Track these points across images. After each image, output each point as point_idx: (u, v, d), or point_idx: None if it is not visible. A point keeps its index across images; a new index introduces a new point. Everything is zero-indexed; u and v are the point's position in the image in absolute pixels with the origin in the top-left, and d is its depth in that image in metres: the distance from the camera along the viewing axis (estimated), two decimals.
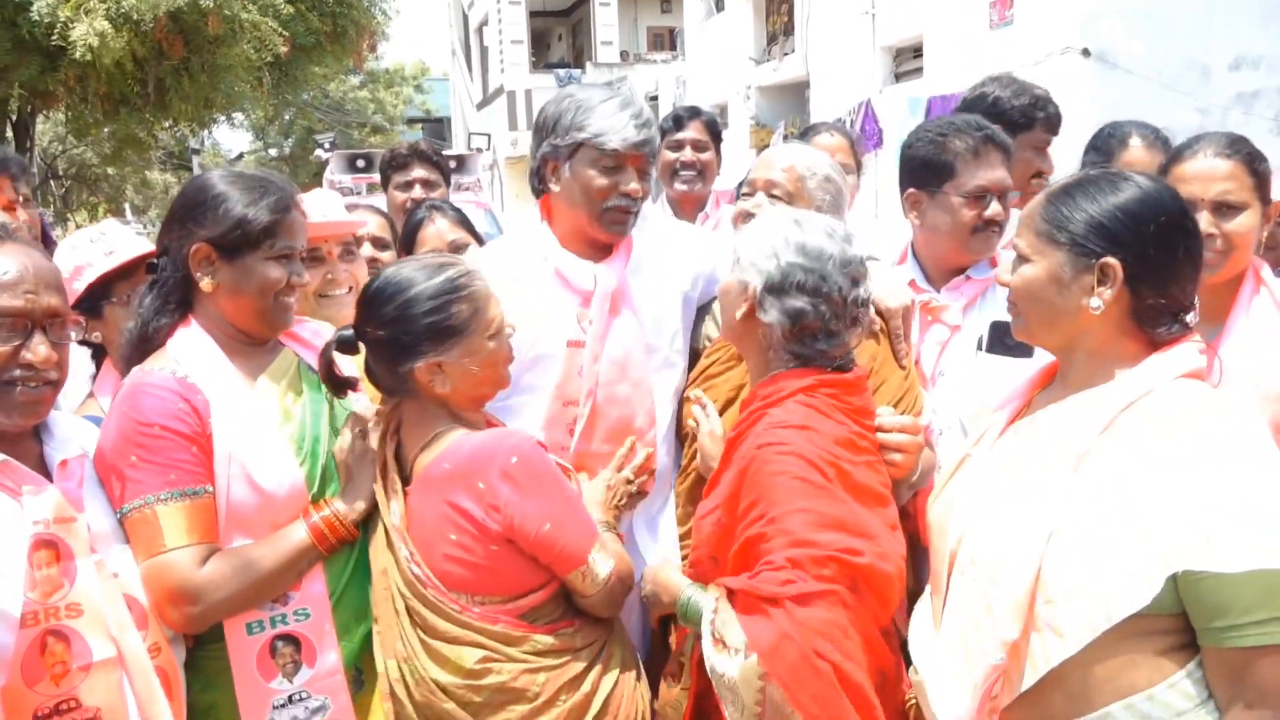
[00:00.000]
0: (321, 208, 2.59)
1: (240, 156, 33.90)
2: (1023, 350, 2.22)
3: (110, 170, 22.47)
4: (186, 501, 1.76)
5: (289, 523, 1.85)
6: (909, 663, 1.79)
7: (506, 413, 2.26)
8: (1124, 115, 3.07)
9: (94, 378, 2.24)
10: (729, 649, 1.70)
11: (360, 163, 9.60)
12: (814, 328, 1.85)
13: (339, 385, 1.96)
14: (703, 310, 2.49)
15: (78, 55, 10.50)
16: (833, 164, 2.41)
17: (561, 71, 25.62)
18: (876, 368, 2.17)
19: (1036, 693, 1.50)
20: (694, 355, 2.43)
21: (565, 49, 32.70)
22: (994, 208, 2.39)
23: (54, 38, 10.63)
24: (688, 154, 3.76)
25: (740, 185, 2.45)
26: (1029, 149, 2.93)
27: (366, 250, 2.90)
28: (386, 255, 3.02)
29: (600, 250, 2.31)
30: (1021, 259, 1.64)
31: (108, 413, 1.87)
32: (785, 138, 13.75)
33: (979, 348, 2.41)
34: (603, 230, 2.26)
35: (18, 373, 1.64)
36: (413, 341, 1.83)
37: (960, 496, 1.70)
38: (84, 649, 1.59)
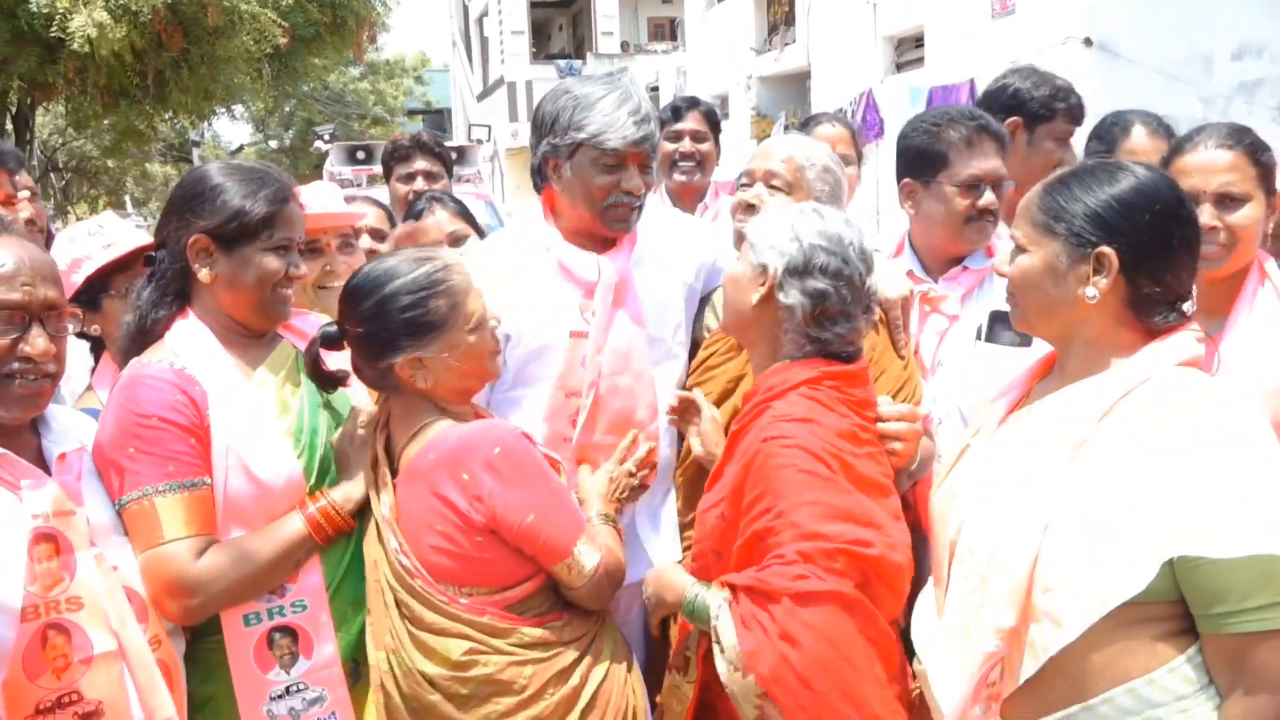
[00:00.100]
0: (320, 200, 2.59)
1: (240, 148, 33.88)
2: (1022, 340, 2.22)
3: (110, 163, 22.44)
4: (185, 493, 1.77)
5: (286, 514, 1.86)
6: (911, 653, 1.79)
7: (510, 404, 2.27)
8: (1126, 105, 3.06)
9: (93, 371, 2.24)
10: (728, 663, 1.73)
11: (360, 154, 9.61)
12: (834, 311, 1.86)
13: (326, 381, 1.96)
14: (704, 301, 2.49)
15: (76, 46, 10.47)
16: (831, 154, 2.41)
17: (562, 62, 25.57)
18: (875, 358, 2.17)
19: (1038, 682, 1.50)
20: (694, 346, 2.43)
21: (566, 39, 32.61)
22: (988, 197, 2.40)
23: (53, 29, 10.61)
24: (686, 145, 3.75)
25: (740, 176, 2.45)
26: (1050, 139, 2.93)
27: (365, 242, 2.91)
28: (384, 247, 3.02)
29: (603, 243, 2.30)
30: (1019, 249, 1.64)
31: (105, 405, 1.87)
32: (786, 128, 13.73)
33: (978, 337, 2.41)
34: (606, 227, 2.26)
35: (16, 365, 1.64)
36: (391, 337, 1.83)
37: (961, 486, 1.70)
38: (85, 642, 1.59)
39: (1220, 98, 9.84)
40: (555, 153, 2.23)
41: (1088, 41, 9.64)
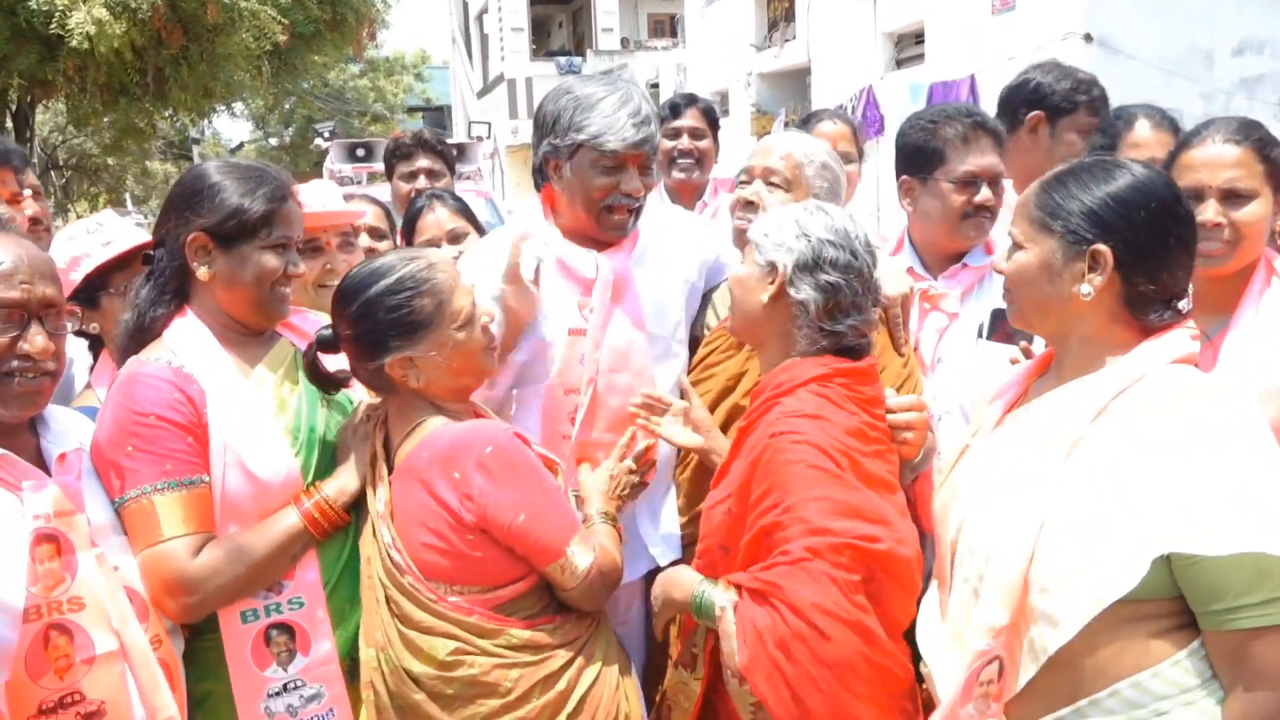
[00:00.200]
0: (320, 198, 2.59)
1: (240, 146, 33.86)
2: (1023, 338, 2.22)
3: (110, 160, 22.44)
4: (183, 491, 1.77)
5: None
6: (919, 657, 1.79)
7: (509, 401, 2.27)
8: (1127, 101, 3.05)
9: (91, 369, 2.24)
10: (728, 670, 1.74)
11: (360, 151, 9.60)
12: (846, 303, 1.87)
13: (327, 383, 1.97)
14: (704, 298, 2.49)
15: (75, 43, 10.47)
16: (830, 151, 2.41)
17: (562, 59, 25.55)
18: (876, 354, 2.17)
19: (1041, 682, 1.50)
20: (694, 343, 2.43)
21: (566, 36, 32.57)
22: (984, 193, 2.41)
23: (52, 26, 10.60)
24: (685, 142, 3.75)
25: (739, 173, 2.45)
26: (1072, 132, 2.93)
27: (363, 241, 2.90)
28: (383, 245, 3.02)
29: (603, 241, 2.30)
30: (1016, 246, 1.64)
31: (103, 403, 1.87)
32: (786, 125, 13.72)
33: (979, 335, 2.41)
34: (601, 231, 2.26)
35: (15, 364, 1.64)
36: (380, 338, 1.84)
37: (961, 486, 1.70)
38: (87, 642, 1.60)
39: (1221, 93, 9.83)
40: (556, 153, 2.23)
41: (1088, 37, 9.63)
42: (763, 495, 1.76)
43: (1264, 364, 1.95)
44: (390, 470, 1.90)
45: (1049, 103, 2.92)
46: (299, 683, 1.85)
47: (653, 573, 2.30)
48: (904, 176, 2.52)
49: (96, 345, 2.25)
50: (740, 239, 2.30)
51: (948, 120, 2.43)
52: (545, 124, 2.26)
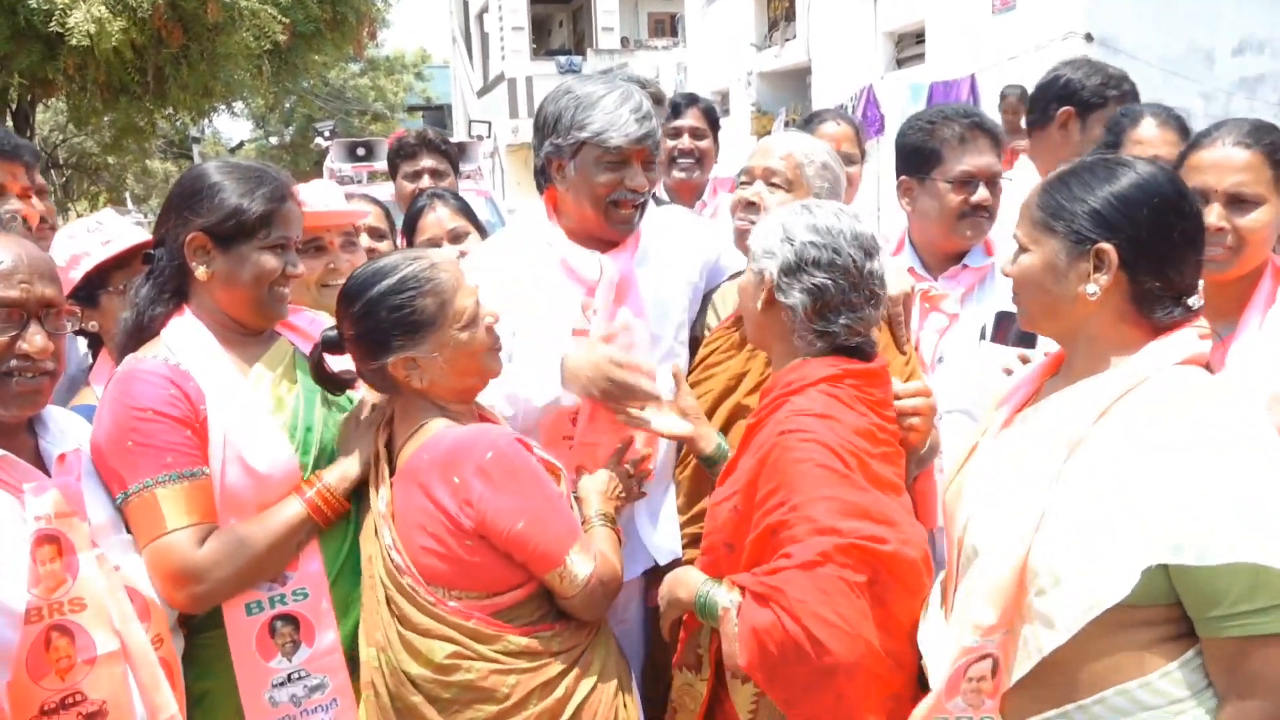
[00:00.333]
0: (324, 198, 2.59)
1: (241, 145, 33.84)
2: (1027, 341, 2.22)
3: (111, 159, 22.41)
4: (185, 483, 1.77)
5: None
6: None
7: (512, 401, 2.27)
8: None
9: (90, 368, 2.24)
10: (729, 670, 1.75)
11: (361, 151, 9.57)
12: (835, 303, 1.85)
13: (332, 384, 1.97)
14: (705, 299, 2.49)
15: (75, 41, 10.45)
16: (830, 151, 2.41)
17: (562, 59, 25.54)
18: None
19: (1035, 679, 1.49)
20: (694, 343, 2.43)
21: (566, 35, 32.56)
22: (981, 193, 2.42)
23: (52, 24, 10.59)
24: (685, 141, 3.75)
25: (740, 174, 2.45)
26: (1103, 127, 2.91)
27: (364, 241, 2.90)
28: (384, 245, 3.02)
29: (606, 243, 2.30)
30: (1021, 249, 1.63)
31: (100, 401, 1.87)
32: (787, 124, 13.72)
33: (982, 337, 2.41)
34: (609, 227, 2.26)
35: (14, 363, 1.64)
36: (382, 337, 1.83)
37: (968, 485, 1.70)
38: (88, 643, 1.60)
39: (1221, 93, 9.83)
40: (558, 153, 2.23)
41: (1088, 37, 9.63)
42: (770, 493, 1.75)
43: (1270, 369, 1.90)
44: (393, 471, 1.89)
45: (1079, 98, 2.94)
46: (303, 673, 1.85)
47: (651, 571, 2.30)
48: (903, 177, 2.54)
49: (96, 344, 2.25)
50: (741, 240, 2.30)
51: (945, 121, 2.45)
52: (547, 125, 2.26)
